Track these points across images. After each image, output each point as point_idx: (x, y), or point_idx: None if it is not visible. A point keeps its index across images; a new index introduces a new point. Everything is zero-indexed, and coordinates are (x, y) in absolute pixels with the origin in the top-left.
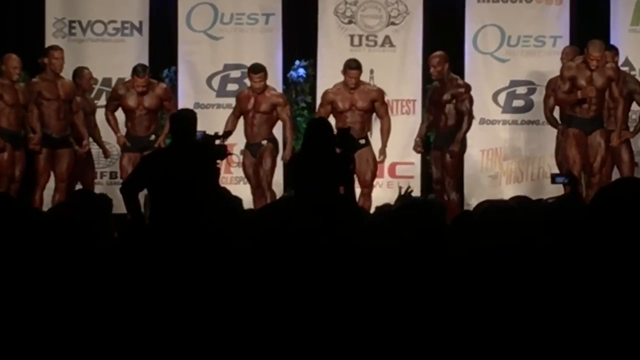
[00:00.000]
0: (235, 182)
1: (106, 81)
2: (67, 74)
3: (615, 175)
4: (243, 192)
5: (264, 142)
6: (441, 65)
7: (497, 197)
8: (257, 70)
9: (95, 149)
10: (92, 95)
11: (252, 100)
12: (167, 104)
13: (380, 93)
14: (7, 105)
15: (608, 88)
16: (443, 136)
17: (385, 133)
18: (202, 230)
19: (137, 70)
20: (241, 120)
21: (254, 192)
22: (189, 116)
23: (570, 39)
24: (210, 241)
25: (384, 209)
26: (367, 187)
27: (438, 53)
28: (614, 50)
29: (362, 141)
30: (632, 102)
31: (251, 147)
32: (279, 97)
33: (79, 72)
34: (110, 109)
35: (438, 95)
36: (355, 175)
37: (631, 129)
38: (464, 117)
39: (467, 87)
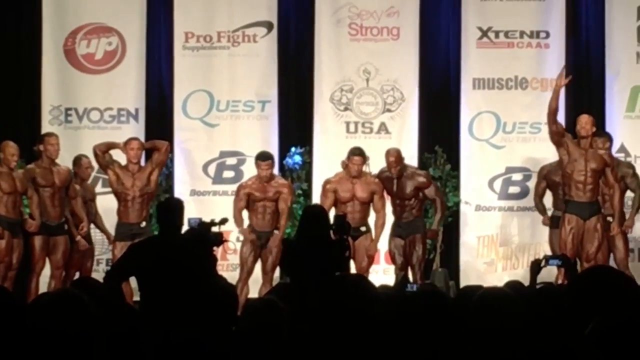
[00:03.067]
0: (231, 269)
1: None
2: (63, 160)
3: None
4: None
5: (276, 231)
6: (400, 163)
7: (492, 284)
8: (265, 157)
9: (97, 236)
10: (89, 182)
11: (260, 188)
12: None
13: (380, 187)
14: (5, 194)
15: (603, 174)
16: (407, 225)
17: (380, 227)
18: (193, 320)
19: (131, 138)
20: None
21: (244, 279)
22: (175, 205)
23: (565, 125)
24: (203, 332)
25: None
26: (364, 274)
27: (394, 151)
28: (606, 136)
29: (363, 228)
30: (626, 188)
31: (260, 234)
32: (285, 187)
33: (77, 161)
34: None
35: (399, 190)
36: (352, 261)
37: (626, 215)
38: (437, 202)
39: (427, 174)
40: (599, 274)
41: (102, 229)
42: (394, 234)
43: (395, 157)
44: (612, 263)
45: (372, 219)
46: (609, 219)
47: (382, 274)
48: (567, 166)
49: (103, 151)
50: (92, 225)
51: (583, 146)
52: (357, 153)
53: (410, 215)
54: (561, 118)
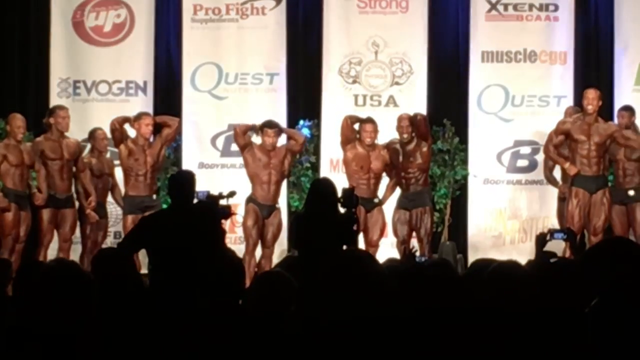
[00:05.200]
0: (239, 242)
1: (110, 141)
2: (70, 133)
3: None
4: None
5: (278, 205)
6: (411, 127)
7: (500, 257)
8: (273, 125)
9: (111, 209)
10: (107, 155)
11: (265, 159)
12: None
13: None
14: (12, 166)
15: (608, 146)
16: (414, 196)
17: (390, 190)
18: (202, 291)
19: (143, 113)
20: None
21: (250, 251)
22: (187, 178)
23: (574, 99)
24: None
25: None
26: (374, 247)
27: (406, 115)
28: (631, 110)
29: (376, 200)
30: None
31: (262, 207)
32: (285, 149)
33: (92, 133)
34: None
35: (406, 159)
36: (363, 234)
37: None
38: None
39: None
40: (614, 245)
41: (119, 202)
42: (400, 205)
43: (408, 122)
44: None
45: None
46: (632, 193)
47: (390, 247)
48: (572, 141)
49: (121, 124)
50: (108, 198)
51: (588, 120)
52: (370, 121)
53: (417, 186)
54: (569, 91)
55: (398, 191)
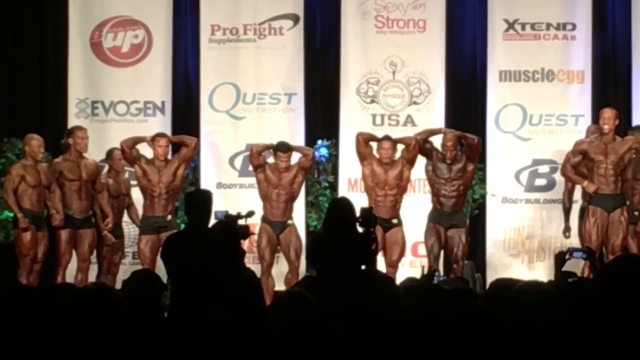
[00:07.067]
0: (257, 262)
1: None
2: (89, 153)
3: None
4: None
5: (290, 221)
6: (456, 148)
7: (519, 276)
8: (286, 149)
9: (126, 229)
10: (125, 175)
11: (275, 180)
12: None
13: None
14: (30, 187)
15: (626, 163)
16: (451, 216)
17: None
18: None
19: (159, 134)
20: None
21: (266, 272)
22: (204, 196)
23: (592, 117)
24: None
25: (410, 288)
26: (393, 267)
27: (452, 136)
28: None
29: (395, 221)
30: None
31: (274, 225)
32: (297, 167)
33: (109, 154)
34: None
35: (449, 172)
36: (382, 254)
37: None
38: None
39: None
40: (626, 262)
41: (135, 222)
42: (433, 220)
43: (452, 142)
44: None
45: (403, 210)
46: (636, 213)
47: (409, 266)
48: (589, 161)
49: (130, 146)
50: (124, 218)
51: (605, 140)
52: (387, 139)
53: (451, 202)
54: (587, 110)
55: (420, 215)
